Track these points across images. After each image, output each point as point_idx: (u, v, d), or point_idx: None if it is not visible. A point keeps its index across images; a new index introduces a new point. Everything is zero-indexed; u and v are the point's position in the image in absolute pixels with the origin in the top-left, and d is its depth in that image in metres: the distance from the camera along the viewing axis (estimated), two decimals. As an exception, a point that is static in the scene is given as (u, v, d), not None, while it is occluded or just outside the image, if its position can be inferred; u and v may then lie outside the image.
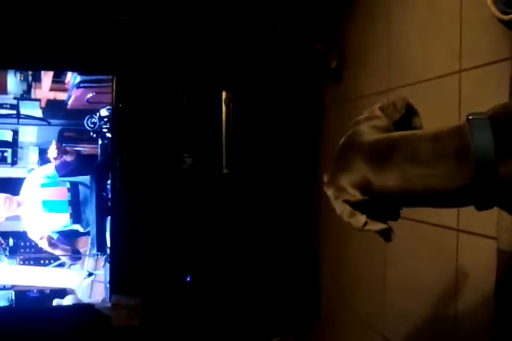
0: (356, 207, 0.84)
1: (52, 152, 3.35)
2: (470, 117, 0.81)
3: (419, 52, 1.78)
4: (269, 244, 2.64)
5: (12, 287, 3.52)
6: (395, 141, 0.83)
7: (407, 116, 0.92)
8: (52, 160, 3.40)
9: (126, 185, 2.56)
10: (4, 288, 3.52)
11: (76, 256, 3.52)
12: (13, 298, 3.46)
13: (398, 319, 1.89)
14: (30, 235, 3.41)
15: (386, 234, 0.86)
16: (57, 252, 3.41)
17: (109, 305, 2.50)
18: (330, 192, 0.86)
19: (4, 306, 3.43)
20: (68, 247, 3.47)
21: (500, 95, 1.32)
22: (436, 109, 1.59)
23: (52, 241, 3.35)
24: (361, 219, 0.84)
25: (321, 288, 2.65)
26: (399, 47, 1.91)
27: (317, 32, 2.48)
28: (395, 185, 0.81)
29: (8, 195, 3.32)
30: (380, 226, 0.85)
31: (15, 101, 3.83)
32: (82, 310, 2.78)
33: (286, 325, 2.66)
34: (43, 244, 3.34)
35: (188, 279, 2.55)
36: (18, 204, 3.34)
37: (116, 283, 2.55)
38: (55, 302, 3.30)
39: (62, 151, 3.37)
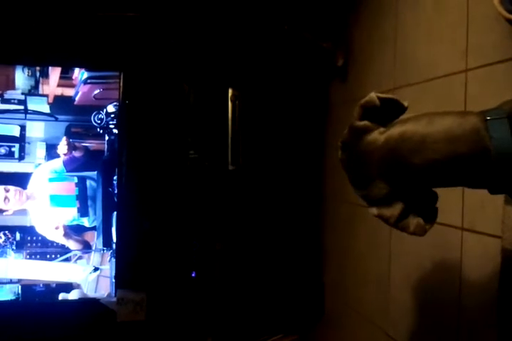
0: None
1: (63, 148, 3.37)
2: (488, 118, 0.79)
3: (425, 51, 1.78)
4: (274, 240, 2.65)
5: (18, 281, 3.54)
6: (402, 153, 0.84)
7: (388, 108, 0.88)
8: (61, 155, 3.42)
9: (133, 181, 2.57)
10: (11, 281, 3.55)
11: (87, 250, 3.54)
12: (20, 291, 3.49)
13: (402, 317, 1.90)
14: (39, 229, 3.43)
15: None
16: (69, 243, 3.43)
17: (114, 299, 2.51)
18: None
19: (11, 300, 3.46)
20: (80, 239, 3.49)
21: (506, 94, 1.32)
22: (442, 108, 1.59)
23: (67, 231, 3.37)
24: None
25: (325, 284, 2.65)
26: (405, 45, 1.91)
27: (324, 30, 2.48)
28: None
29: (17, 188, 3.36)
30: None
31: (23, 97, 3.85)
32: (87, 304, 2.79)
33: (290, 322, 2.67)
34: (58, 234, 3.35)
35: (192, 275, 2.56)
36: (27, 198, 3.37)
37: (122, 278, 2.57)
38: (61, 296, 3.32)
39: (71, 147, 3.39)
